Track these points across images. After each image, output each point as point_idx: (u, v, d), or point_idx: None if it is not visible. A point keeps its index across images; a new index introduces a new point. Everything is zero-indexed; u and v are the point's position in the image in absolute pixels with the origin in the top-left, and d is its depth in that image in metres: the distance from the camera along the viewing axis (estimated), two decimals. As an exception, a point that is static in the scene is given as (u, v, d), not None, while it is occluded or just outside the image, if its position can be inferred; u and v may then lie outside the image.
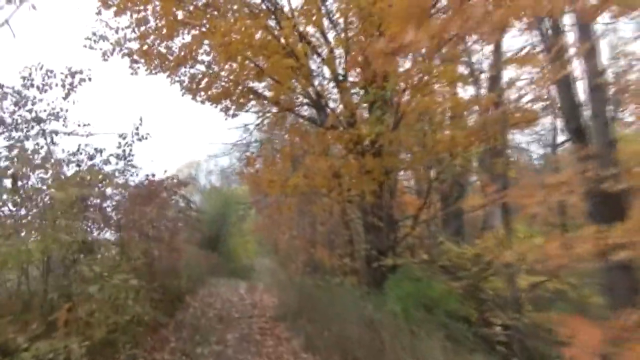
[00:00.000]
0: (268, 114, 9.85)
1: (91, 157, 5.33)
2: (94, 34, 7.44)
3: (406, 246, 10.38)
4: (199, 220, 10.31)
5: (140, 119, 5.66)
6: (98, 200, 5.81)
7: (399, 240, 9.67)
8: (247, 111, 10.73)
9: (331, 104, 9.55)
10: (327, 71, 9.33)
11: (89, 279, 4.58)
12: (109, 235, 6.10)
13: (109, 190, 5.47)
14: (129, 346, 4.61)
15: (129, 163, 5.79)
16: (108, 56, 7.44)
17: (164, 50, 7.57)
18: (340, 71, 8.79)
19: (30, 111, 4.71)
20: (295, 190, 7.87)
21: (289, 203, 9.08)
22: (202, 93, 7.88)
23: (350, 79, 8.98)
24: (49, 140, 4.90)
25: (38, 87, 4.82)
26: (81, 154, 5.27)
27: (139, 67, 7.66)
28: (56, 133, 5.02)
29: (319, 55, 8.93)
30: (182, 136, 51.36)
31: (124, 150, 5.69)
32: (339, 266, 9.01)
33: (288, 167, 9.11)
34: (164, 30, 7.32)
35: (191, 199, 23.67)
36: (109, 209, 6.03)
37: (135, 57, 7.47)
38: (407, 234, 9.64)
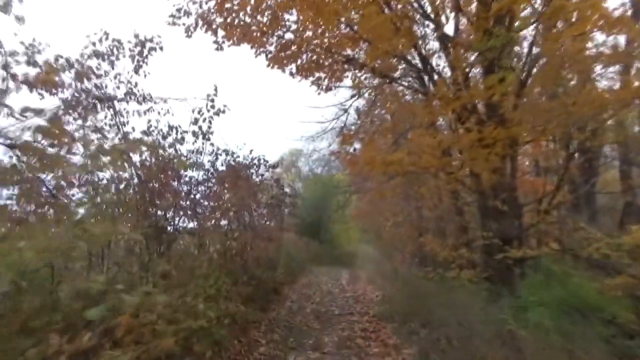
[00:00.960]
0: (365, 88, 8.72)
1: (165, 136, 4.79)
2: (178, 10, 7.03)
3: (532, 234, 8.62)
4: (294, 206, 9.63)
5: (215, 88, 4.96)
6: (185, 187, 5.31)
7: (526, 227, 7.99)
8: (340, 87, 9.77)
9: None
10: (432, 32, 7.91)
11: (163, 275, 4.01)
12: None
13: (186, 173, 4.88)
14: (209, 354, 3.92)
15: (208, 140, 5.15)
16: (191, 31, 6.97)
17: (248, 20, 6.86)
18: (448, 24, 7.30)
19: (97, 87, 4.27)
20: (398, 168, 6.67)
21: (393, 185, 7.89)
22: (291, 64, 7.03)
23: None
24: (119, 120, 4.43)
25: (105, 57, 4.34)
26: (153, 132, 4.74)
27: (223, 42, 7.07)
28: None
29: (422, 10, 7.52)
30: (274, 117, 51.46)
31: (200, 127, 5.05)
32: (454, 258, 7.61)
33: (390, 145, 7.92)
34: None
35: (286, 184, 23.76)
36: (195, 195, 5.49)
37: (218, 29, 6.88)
38: (538, 220, 7.89)
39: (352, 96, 10.18)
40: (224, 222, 6.23)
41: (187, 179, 5.03)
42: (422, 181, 8.37)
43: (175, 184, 4.64)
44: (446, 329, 5.18)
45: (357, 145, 7.83)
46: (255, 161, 7.17)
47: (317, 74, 7.56)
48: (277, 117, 50.36)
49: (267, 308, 6.80)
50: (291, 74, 6.91)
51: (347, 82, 8.75)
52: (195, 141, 5.03)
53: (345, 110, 9.27)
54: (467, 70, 7.31)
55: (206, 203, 5.28)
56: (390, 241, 10.85)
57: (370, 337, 5.51)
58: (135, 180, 4.20)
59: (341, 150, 7.92)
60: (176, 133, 4.82)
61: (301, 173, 32.04)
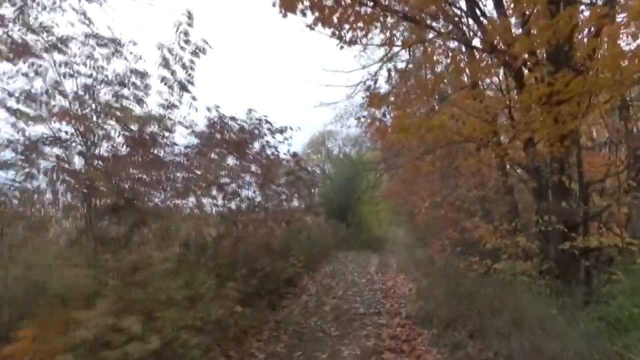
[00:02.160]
0: (397, 44, 7.27)
1: (121, 82, 3.61)
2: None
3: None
4: (314, 184, 8.38)
5: (189, 16, 3.70)
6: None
7: (600, 210, 6.53)
8: (368, 44, 8.34)
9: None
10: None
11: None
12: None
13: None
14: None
15: (187, 92, 3.91)
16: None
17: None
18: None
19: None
20: (439, 135, 5.28)
21: (431, 160, 6.49)
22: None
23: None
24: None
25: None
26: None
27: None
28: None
29: None
30: (289, 84, 47.27)
31: (173, 72, 3.83)
32: (506, 246, 6.21)
33: (427, 112, 6.50)
34: None
35: (314, 165, 22.40)
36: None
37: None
38: (616, 201, 6.41)
39: (382, 59, 8.76)
40: (214, 202, 5.05)
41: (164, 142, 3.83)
42: (466, 153, 6.94)
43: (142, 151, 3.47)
44: (505, 343, 3.88)
45: (385, 107, 6.47)
46: (258, 125, 5.92)
47: (339, 23, 6.15)
48: (293, 84, 46.62)
49: (276, 305, 5.66)
50: (303, 13, 5.51)
51: (376, 39, 7.35)
52: (171, 93, 3.81)
53: (375, 74, 7.89)
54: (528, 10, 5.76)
55: (181, 175, 4.07)
56: (425, 225, 9.48)
57: (402, 350, 4.26)
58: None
59: (368, 116, 6.59)
60: (137, 78, 3.60)
61: (330, 154, 30.73)
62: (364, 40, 6.58)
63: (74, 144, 3.10)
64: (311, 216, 9.13)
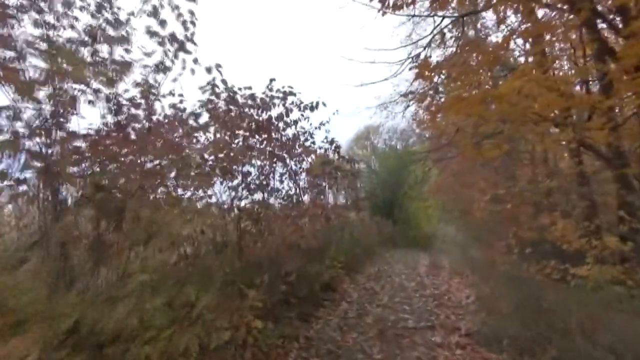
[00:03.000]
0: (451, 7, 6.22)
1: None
2: None
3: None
4: (354, 175, 7.47)
5: None
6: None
7: None
8: (415, 15, 7.37)
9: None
10: None
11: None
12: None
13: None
14: None
15: (186, 52, 3.14)
16: None
17: None
18: None
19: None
20: (507, 110, 4.24)
21: (498, 140, 5.41)
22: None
23: None
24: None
25: None
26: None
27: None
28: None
29: None
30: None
31: (162, 22, 3.08)
32: (590, 246, 5.07)
33: (487, 82, 5.44)
34: None
35: (359, 161, 21.51)
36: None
37: None
38: None
39: (432, 32, 7.70)
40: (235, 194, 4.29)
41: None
42: (537, 135, 5.79)
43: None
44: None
45: (437, 78, 5.45)
46: (279, 96, 5.13)
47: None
48: (331, 66, 43.97)
49: (309, 316, 4.84)
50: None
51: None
52: (166, 53, 3.07)
53: (424, 47, 6.85)
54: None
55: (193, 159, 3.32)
56: (482, 222, 8.35)
57: (466, 382, 3.32)
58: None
59: (416, 92, 5.61)
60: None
61: (376, 149, 29.60)
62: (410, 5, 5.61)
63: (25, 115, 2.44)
64: (354, 212, 8.23)
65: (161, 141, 2.78)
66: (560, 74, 6.12)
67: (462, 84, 4.41)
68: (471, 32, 9.11)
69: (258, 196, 4.95)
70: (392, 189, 18.77)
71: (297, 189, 6.46)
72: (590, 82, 6.31)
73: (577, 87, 6.38)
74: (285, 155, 6.07)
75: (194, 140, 3.25)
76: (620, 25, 4.92)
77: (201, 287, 3.43)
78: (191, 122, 3.02)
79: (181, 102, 3.29)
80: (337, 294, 6.18)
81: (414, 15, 7.13)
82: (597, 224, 5.80)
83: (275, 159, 5.98)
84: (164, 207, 3.20)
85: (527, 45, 6.31)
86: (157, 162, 2.89)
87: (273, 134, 5.36)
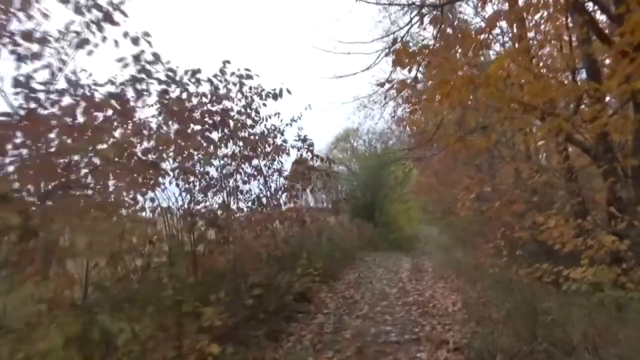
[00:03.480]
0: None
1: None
2: None
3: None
4: (330, 176, 6.95)
5: None
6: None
7: None
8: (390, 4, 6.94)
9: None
10: None
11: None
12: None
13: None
14: None
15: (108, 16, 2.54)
16: None
17: None
18: None
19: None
20: (495, 95, 3.78)
21: (487, 131, 4.94)
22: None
23: None
24: None
25: None
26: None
27: None
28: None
29: None
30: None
31: None
32: (586, 247, 4.67)
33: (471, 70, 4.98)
34: None
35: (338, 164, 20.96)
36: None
37: None
38: None
39: (412, 20, 7.27)
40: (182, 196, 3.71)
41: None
42: (519, 130, 5.41)
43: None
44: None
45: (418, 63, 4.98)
46: (234, 81, 4.56)
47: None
48: (302, 58, 41.93)
49: (280, 333, 4.28)
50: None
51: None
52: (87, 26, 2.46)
53: (402, 38, 6.39)
54: None
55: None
56: (466, 222, 7.96)
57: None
58: None
59: (394, 81, 5.12)
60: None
61: (356, 151, 29.20)
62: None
63: None
64: (330, 215, 7.72)
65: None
66: (549, 62, 5.74)
67: (444, 71, 3.95)
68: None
69: (219, 199, 4.40)
70: (373, 191, 18.38)
71: (268, 191, 5.91)
72: (577, 71, 5.97)
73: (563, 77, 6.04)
74: (251, 154, 5.51)
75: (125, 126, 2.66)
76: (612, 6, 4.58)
77: (141, 310, 2.86)
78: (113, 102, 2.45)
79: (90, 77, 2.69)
80: (313, 305, 5.63)
81: (390, 4, 6.68)
82: (590, 221, 5.40)
83: (241, 159, 5.44)
84: (93, 213, 2.61)
85: (513, 32, 5.92)
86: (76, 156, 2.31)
87: (233, 130, 4.78)
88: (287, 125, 6.20)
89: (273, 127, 6.03)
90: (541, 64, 5.70)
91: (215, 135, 4.09)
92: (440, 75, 3.96)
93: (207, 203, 4.20)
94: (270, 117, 6.11)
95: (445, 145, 8.03)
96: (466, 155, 10.00)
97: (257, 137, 5.76)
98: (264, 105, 5.00)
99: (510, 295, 4.85)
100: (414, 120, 9.69)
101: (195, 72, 3.47)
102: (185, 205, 3.72)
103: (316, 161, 6.41)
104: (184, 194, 3.74)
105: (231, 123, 4.35)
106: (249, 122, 5.54)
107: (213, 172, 4.40)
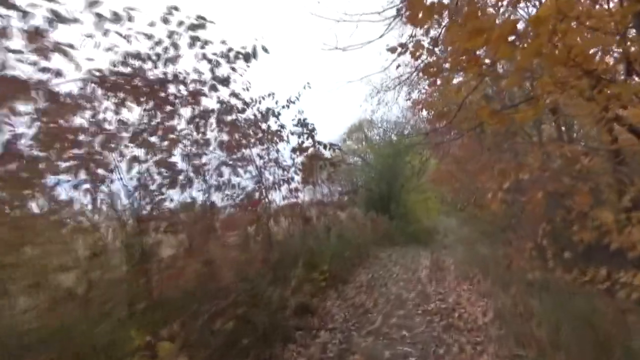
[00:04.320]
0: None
1: None
2: None
3: None
4: (333, 165, 6.01)
5: None
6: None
7: None
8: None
9: None
10: None
11: None
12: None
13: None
14: None
15: None
16: None
17: None
18: None
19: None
20: (545, 48, 2.82)
21: (528, 107, 3.88)
22: None
23: None
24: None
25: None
26: None
27: None
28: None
29: None
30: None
31: None
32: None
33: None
34: None
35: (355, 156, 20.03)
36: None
37: None
38: None
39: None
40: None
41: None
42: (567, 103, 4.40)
43: None
44: None
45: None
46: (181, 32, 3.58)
47: None
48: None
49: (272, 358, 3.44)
50: None
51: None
52: None
53: None
54: None
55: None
56: (494, 214, 6.97)
57: None
58: None
59: (408, 42, 4.17)
60: None
61: (370, 142, 28.17)
62: None
63: None
64: (339, 209, 6.84)
65: None
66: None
67: (472, 21, 3.00)
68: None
69: (190, 195, 3.55)
70: (388, 182, 17.39)
71: (262, 185, 5.05)
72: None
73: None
74: (242, 141, 4.65)
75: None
76: None
77: (61, 352, 2.04)
78: None
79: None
80: (317, 318, 4.77)
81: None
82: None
83: (230, 147, 4.59)
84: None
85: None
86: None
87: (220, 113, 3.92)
88: (283, 107, 5.33)
89: (261, 110, 5.15)
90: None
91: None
92: (468, 27, 3.00)
93: (170, 201, 3.36)
94: (263, 98, 5.25)
95: (471, 126, 7.05)
96: (492, 141, 8.99)
97: (247, 122, 4.90)
98: (233, 70, 4.08)
99: (559, 306, 3.91)
100: (431, 103, 8.68)
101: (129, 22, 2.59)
102: (137, 206, 2.88)
103: (319, 148, 5.53)
104: (138, 190, 2.90)
105: (207, 103, 3.45)
106: (237, 103, 4.68)
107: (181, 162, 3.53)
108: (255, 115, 4.99)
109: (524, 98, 4.27)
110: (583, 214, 3.60)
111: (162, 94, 3.02)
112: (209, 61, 3.86)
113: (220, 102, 4.65)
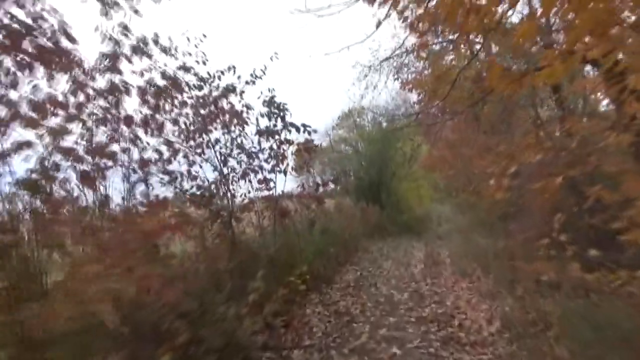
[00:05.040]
0: None
1: None
2: None
3: None
4: (307, 150, 5.17)
5: None
6: None
7: None
8: None
9: None
10: None
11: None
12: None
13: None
14: None
15: None
16: None
17: None
18: None
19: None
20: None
21: (554, 69, 3.09)
22: None
23: None
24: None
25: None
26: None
27: None
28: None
29: None
30: None
31: None
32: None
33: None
34: None
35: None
36: None
37: None
38: None
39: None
40: None
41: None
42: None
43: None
44: None
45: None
46: None
47: None
48: None
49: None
50: None
51: None
52: None
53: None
54: None
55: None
56: (493, 202, 6.25)
57: None
58: None
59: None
60: None
61: (360, 129, 27.35)
62: None
63: None
64: (313, 202, 6.05)
65: None
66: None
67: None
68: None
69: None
70: (379, 170, 16.62)
71: (223, 175, 4.25)
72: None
73: None
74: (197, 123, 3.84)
75: None
76: None
77: None
78: None
79: None
80: (291, 332, 4.02)
81: None
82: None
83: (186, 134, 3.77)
84: None
85: None
86: None
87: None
88: (247, 83, 4.51)
89: (227, 87, 4.33)
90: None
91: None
92: None
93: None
94: (222, 73, 4.43)
95: (466, 105, 6.31)
96: (488, 122, 8.24)
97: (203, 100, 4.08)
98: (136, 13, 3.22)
99: (583, 314, 3.18)
100: (421, 82, 7.89)
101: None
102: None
103: (290, 132, 4.72)
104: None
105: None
106: (189, 78, 3.86)
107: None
108: (210, 92, 4.18)
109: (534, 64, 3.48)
110: (620, 205, 2.83)
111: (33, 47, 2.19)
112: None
113: (163, 74, 3.84)
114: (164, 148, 3.92)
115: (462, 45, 6.76)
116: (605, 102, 8.17)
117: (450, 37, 6.77)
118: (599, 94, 6.45)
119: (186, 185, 3.98)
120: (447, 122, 9.27)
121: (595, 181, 3.82)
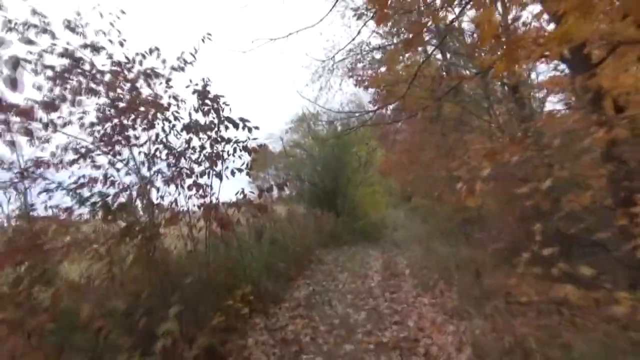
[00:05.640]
0: None
1: None
2: None
3: None
4: (247, 151, 4.43)
5: None
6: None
7: None
8: None
9: None
10: None
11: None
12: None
13: None
14: None
15: None
16: None
17: None
18: None
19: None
20: None
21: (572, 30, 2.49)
22: None
23: None
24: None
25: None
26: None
27: None
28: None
29: None
30: None
31: None
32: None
33: None
34: None
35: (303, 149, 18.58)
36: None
37: None
38: None
39: None
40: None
41: None
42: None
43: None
44: None
45: None
46: None
47: None
48: None
49: None
50: None
51: None
52: None
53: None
54: None
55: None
56: (454, 209, 5.80)
57: None
58: None
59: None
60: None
61: (314, 133, 26.78)
62: None
63: None
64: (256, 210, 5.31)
65: None
66: None
67: None
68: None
69: None
70: (334, 175, 16.06)
71: (142, 180, 3.45)
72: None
73: None
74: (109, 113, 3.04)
75: None
76: None
77: None
78: None
79: None
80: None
81: None
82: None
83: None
84: None
85: None
86: None
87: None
88: (174, 69, 3.74)
89: (148, 72, 3.55)
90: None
91: None
92: None
93: None
94: (144, 56, 3.64)
95: (424, 105, 5.86)
96: (448, 122, 7.85)
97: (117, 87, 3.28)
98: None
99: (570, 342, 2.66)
100: (379, 78, 7.38)
101: None
102: None
103: (228, 129, 3.98)
104: None
105: None
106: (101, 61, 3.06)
107: None
108: (125, 77, 3.38)
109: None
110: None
111: None
112: None
113: (65, 53, 3.02)
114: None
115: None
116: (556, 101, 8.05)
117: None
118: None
119: (86, 192, 3.16)
120: (404, 125, 8.85)
121: (569, 186, 3.38)
